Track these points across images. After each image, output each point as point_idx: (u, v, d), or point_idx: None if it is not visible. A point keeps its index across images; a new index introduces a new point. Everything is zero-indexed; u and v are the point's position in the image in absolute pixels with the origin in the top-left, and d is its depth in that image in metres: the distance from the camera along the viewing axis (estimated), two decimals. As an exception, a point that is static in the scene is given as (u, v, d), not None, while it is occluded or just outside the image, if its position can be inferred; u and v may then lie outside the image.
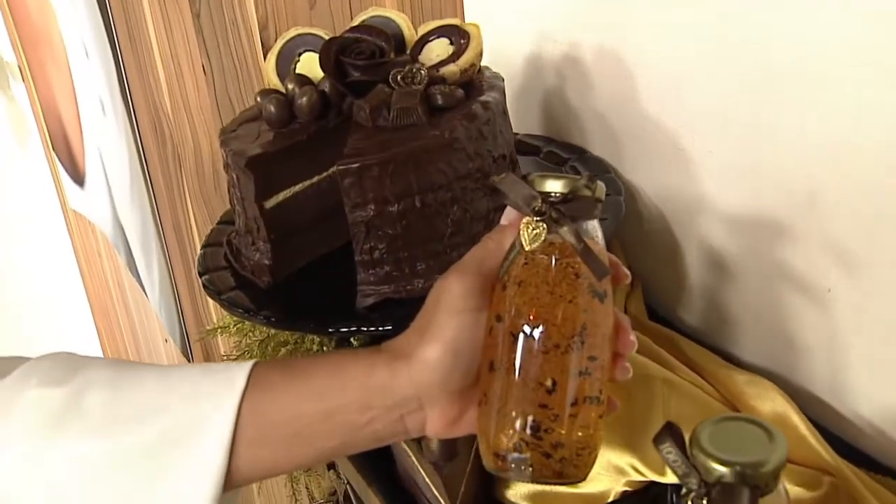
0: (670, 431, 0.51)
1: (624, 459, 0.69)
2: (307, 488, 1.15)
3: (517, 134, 0.96)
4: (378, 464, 0.81)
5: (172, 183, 1.47)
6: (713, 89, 0.75)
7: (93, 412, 0.56)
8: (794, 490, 0.65)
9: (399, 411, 0.54)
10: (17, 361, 0.60)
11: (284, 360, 0.63)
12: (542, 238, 0.50)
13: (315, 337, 0.88)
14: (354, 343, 0.88)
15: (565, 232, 0.50)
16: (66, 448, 0.55)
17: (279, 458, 0.56)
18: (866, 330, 0.68)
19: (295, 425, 0.55)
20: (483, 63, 0.84)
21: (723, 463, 0.48)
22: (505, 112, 0.79)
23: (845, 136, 0.65)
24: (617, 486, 0.71)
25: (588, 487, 0.73)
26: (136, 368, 0.59)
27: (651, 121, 0.82)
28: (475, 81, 0.79)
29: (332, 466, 1.05)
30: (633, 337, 0.53)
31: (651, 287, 0.89)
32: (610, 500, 0.71)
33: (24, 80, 2.68)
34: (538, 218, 0.50)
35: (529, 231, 0.51)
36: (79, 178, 2.39)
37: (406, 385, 0.53)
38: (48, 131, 2.60)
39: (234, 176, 0.78)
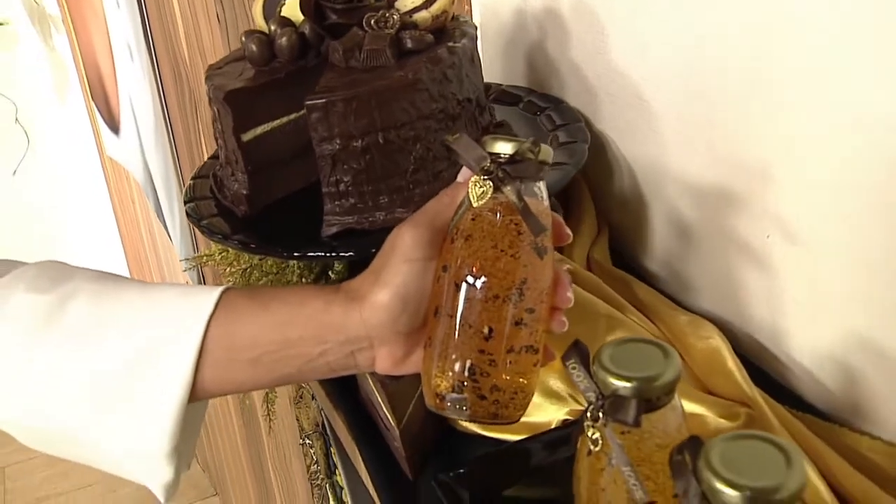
0: (577, 349, 0.55)
1: (565, 388, 0.73)
2: (297, 420, 1.21)
3: (501, 85, 0.99)
4: (345, 391, 0.87)
5: (189, 126, 1.53)
6: (677, 45, 0.78)
7: (74, 322, 0.60)
8: (718, 422, 0.69)
9: (350, 347, 0.59)
10: (12, 265, 0.65)
11: (253, 289, 0.68)
12: (489, 195, 0.54)
13: (295, 270, 0.93)
14: (332, 276, 0.93)
15: (509, 191, 0.54)
16: (46, 356, 0.60)
17: (241, 378, 0.61)
18: (798, 278, 0.71)
19: (256, 351, 0.60)
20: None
21: (618, 377, 0.52)
22: (473, 58, 0.82)
23: (800, 102, 0.66)
24: (559, 415, 0.75)
25: (532, 417, 0.77)
26: (119, 283, 0.64)
27: (619, 73, 0.85)
28: (447, 28, 0.83)
29: (314, 398, 1.10)
30: (570, 293, 0.57)
31: (618, 234, 0.92)
32: (552, 427, 0.75)
33: (66, 32, 2.75)
34: (485, 177, 0.54)
35: (477, 189, 0.55)
36: (114, 126, 2.46)
37: (358, 325, 0.58)
38: (88, 81, 2.68)
39: (216, 109, 0.82)
